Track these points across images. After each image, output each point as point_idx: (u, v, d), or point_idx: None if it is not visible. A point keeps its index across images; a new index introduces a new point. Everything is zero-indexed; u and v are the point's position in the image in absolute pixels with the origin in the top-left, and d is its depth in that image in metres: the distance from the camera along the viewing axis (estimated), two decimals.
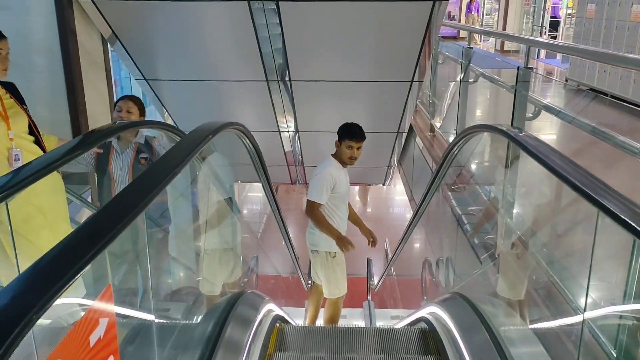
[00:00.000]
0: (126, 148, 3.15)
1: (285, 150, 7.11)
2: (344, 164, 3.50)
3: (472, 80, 4.25)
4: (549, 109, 2.89)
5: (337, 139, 3.49)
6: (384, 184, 8.41)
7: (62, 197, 2.85)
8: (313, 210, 3.42)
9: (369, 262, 10.57)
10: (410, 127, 6.35)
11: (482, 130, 2.35)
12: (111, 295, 0.97)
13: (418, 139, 6.32)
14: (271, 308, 2.75)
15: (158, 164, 1.46)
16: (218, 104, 6.00)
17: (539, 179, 2.64)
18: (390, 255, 10.87)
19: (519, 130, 1.78)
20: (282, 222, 4.08)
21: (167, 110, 5.96)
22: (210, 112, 6.22)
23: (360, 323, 9.08)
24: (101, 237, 0.88)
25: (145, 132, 3.21)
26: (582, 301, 1.98)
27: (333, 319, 4.02)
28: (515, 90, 2.86)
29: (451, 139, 5.02)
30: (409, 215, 15.20)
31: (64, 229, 2.76)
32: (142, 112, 3.21)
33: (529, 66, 2.92)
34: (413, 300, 8.25)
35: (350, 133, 3.42)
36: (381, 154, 7.33)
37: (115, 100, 4.83)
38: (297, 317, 8.12)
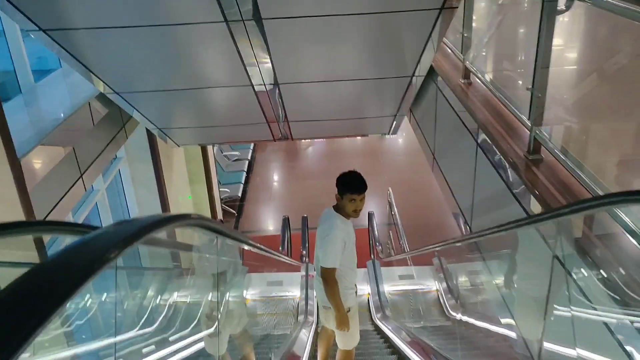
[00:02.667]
0: None
1: (264, 108, 5.46)
2: (347, 216, 3.32)
3: (562, 6, 2.51)
4: None
5: (336, 191, 3.29)
6: (388, 134, 6.85)
7: None
8: (330, 277, 3.31)
9: (370, 216, 9.24)
10: (431, 67, 4.69)
11: None
12: None
13: (440, 81, 4.70)
14: None
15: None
16: (164, 57, 4.28)
17: None
18: (394, 207, 9.54)
19: None
20: None
21: (91, 71, 4.23)
22: (155, 69, 4.51)
23: (366, 287, 7.95)
24: None
25: None
26: None
27: None
28: None
29: (505, 93, 3.42)
30: (402, 156, 13.82)
31: None
32: None
33: None
34: (422, 255, 6.96)
35: (352, 187, 3.19)
36: (386, 102, 5.71)
37: None
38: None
